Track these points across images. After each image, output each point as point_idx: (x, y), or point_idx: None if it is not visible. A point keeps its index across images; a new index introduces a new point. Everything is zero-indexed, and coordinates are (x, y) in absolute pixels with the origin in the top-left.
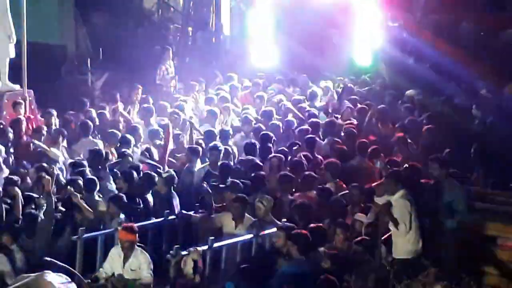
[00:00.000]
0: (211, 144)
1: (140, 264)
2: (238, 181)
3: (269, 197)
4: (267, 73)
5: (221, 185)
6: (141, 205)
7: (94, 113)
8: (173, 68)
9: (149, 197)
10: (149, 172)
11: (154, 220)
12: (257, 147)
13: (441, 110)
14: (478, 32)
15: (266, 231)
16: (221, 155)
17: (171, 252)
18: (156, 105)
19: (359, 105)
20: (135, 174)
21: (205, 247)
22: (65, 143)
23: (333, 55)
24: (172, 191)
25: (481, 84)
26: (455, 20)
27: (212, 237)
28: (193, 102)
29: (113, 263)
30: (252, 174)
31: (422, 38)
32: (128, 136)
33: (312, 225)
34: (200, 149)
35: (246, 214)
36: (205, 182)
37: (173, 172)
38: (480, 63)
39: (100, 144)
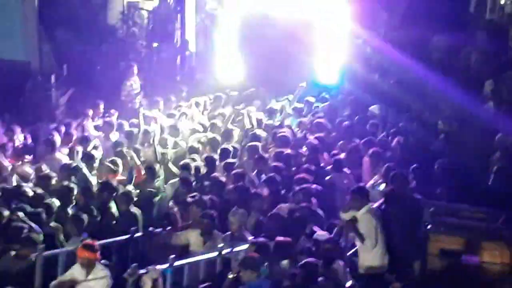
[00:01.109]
0: (182, 162)
1: (97, 282)
2: (204, 197)
3: (243, 210)
4: (232, 88)
5: (187, 200)
6: (101, 218)
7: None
8: (138, 84)
9: (114, 208)
10: (108, 181)
11: (118, 238)
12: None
13: (406, 126)
14: (451, 45)
15: (237, 248)
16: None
17: (128, 270)
18: (118, 121)
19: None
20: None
21: (166, 265)
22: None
23: (297, 72)
24: (133, 207)
25: (450, 99)
26: (422, 35)
27: (173, 255)
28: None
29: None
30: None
31: (386, 54)
32: (93, 151)
33: (279, 238)
34: (158, 167)
35: (215, 230)
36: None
37: (130, 188)
38: (451, 77)
39: (66, 160)
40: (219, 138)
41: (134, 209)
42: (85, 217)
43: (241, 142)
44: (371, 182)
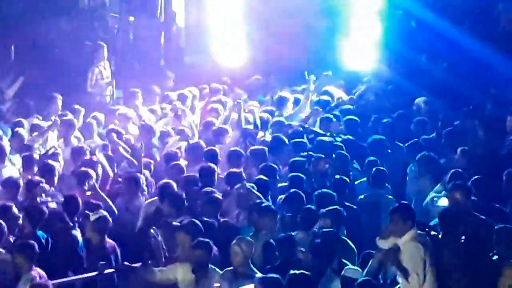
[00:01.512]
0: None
1: None
2: (197, 220)
3: (251, 239)
4: (232, 76)
5: (174, 224)
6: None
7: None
8: (109, 71)
9: (78, 234)
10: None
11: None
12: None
13: (464, 123)
14: None
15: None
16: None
17: None
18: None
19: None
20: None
21: None
22: None
23: (318, 54)
24: (106, 237)
25: None
26: (484, 2)
27: None
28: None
29: None
30: None
31: (437, 29)
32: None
33: (295, 272)
34: (143, 177)
35: (211, 265)
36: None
37: (105, 214)
38: None
39: (16, 172)
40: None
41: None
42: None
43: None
44: (430, 196)
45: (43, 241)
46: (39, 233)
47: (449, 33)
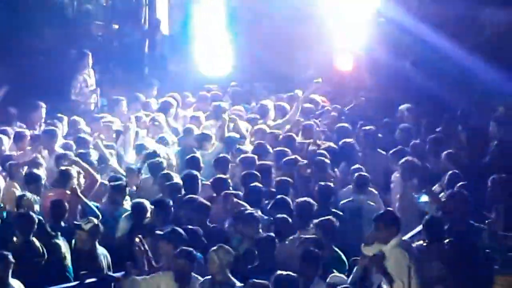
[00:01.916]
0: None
1: None
2: (180, 228)
3: (229, 248)
4: (218, 84)
5: (157, 232)
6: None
7: None
8: (94, 78)
9: (61, 243)
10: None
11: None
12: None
13: (447, 130)
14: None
15: None
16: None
17: None
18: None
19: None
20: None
21: None
22: None
23: (307, 59)
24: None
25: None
26: (467, 9)
27: None
28: None
29: None
30: None
31: (420, 36)
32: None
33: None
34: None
35: (194, 274)
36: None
37: (96, 222)
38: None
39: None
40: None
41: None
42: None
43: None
44: (425, 199)
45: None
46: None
47: (433, 40)
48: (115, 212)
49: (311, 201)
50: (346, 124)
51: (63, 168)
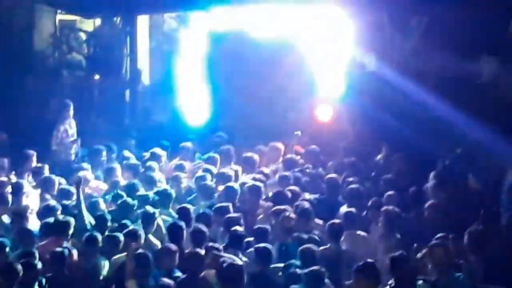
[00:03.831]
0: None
1: None
2: None
3: None
4: (199, 134)
5: None
6: None
7: None
8: (75, 129)
9: None
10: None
11: None
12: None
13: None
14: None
15: None
16: None
17: None
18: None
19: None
20: None
21: None
22: None
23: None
24: None
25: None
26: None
27: None
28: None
29: None
30: None
31: (402, 87)
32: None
33: None
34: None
35: None
36: None
37: None
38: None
39: None
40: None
41: None
42: None
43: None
44: None
45: None
46: None
47: (414, 92)
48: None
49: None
50: (335, 175)
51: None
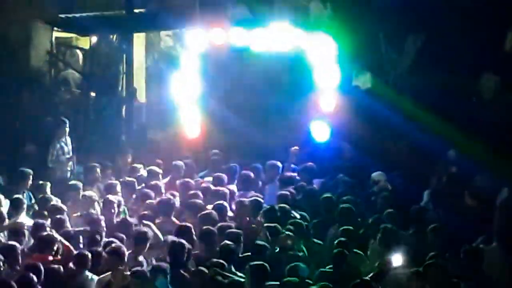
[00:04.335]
0: None
1: None
2: None
3: None
4: (194, 151)
5: None
6: None
7: None
8: (71, 146)
9: None
10: None
11: None
12: None
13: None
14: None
15: None
16: None
17: None
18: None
19: None
20: None
21: None
22: None
23: (283, 127)
24: None
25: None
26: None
27: None
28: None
29: None
30: None
31: (397, 106)
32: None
33: None
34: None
35: None
36: None
37: None
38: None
39: None
40: None
41: None
42: None
43: None
44: None
45: None
46: None
47: (410, 111)
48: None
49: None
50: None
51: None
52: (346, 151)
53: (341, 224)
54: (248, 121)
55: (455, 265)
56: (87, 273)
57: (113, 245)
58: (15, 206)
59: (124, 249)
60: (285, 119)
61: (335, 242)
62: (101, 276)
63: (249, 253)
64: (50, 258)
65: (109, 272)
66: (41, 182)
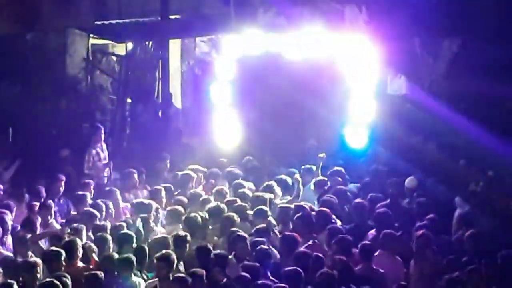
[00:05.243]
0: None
1: None
2: None
3: None
4: (230, 157)
5: None
6: None
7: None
8: (107, 152)
9: None
10: None
11: None
12: None
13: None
14: None
15: None
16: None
17: None
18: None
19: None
20: None
21: None
22: None
23: (316, 133)
24: None
25: None
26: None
27: None
28: None
29: None
30: None
31: (433, 111)
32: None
33: None
34: None
35: None
36: None
37: None
38: None
39: None
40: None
41: None
42: None
43: None
44: None
45: None
46: None
47: (445, 115)
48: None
49: None
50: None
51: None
52: (382, 155)
53: (378, 229)
54: (283, 127)
55: (491, 271)
56: (134, 278)
57: (163, 251)
58: (43, 210)
59: (174, 256)
60: (320, 124)
61: None
62: (148, 281)
63: None
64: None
65: (157, 278)
66: (80, 192)
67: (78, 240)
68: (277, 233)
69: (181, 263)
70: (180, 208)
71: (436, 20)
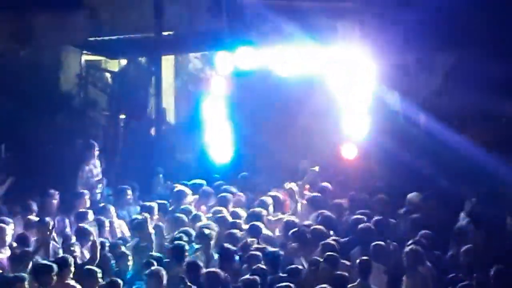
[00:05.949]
0: None
1: None
2: None
3: None
4: (224, 172)
5: None
6: None
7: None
8: (100, 168)
9: None
10: None
11: None
12: None
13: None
14: None
15: None
16: None
17: None
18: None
19: None
20: None
21: None
22: None
23: (309, 147)
24: None
25: None
26: (474, 101)
27: None
28: None
29: None
30: None
31: (427, 127)
32: None
33: None
34: None
35: None
36: None
37: None
38: None
39: None
40: None
41: None
42: None
43: None
44: None
45: None
46: None
47: (439, 132)
48: None
49: None
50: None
51: None
52: (377, 171)
53: (362, 244)
54: (276, 142)
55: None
56: None
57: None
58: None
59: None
60: (314, 140)
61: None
62: None
63: None
64: None
65: None
66: (82, 210)
67: (70, 258)
68: None
69: None
70: None
71: (429, 36)
